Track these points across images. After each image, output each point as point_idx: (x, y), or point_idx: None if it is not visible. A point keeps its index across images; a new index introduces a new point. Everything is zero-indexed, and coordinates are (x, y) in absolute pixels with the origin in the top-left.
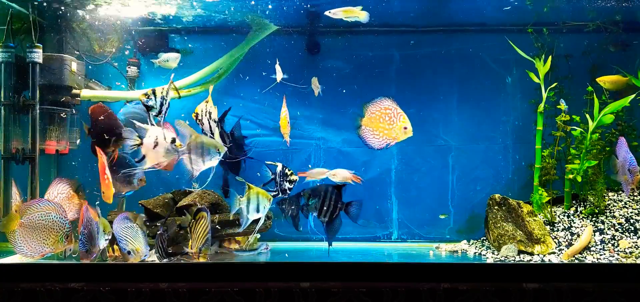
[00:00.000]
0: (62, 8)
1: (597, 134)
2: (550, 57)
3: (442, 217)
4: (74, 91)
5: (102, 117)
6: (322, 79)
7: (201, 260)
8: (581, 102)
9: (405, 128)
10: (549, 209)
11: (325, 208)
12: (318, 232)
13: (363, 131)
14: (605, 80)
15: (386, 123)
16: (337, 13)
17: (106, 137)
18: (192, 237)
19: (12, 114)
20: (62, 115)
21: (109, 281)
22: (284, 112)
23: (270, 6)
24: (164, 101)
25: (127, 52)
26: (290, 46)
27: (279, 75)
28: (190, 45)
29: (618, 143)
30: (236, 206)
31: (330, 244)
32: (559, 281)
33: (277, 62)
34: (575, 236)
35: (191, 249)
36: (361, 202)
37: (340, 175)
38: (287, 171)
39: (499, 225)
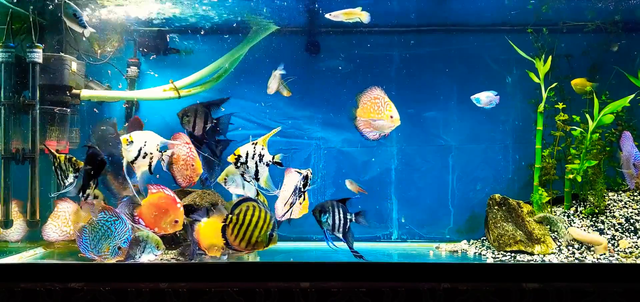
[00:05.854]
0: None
1: (597, 134)
2: (550, 57)
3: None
4: (74, 91)
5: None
6: (322, 78)
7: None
8: (581, 102)
9: (392, 117)
10: (549, 209)
11: (336, 223)
12: (335, 244)
13: (357, 122)
14: (576, 83)
15: (376, 113)
16: (338, 15)
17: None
18: (238, 233)
19: (12, 114)
20: (62, 114)
21: (109, 281)
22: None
23: (270, 6)
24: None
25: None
26: (290, 46)
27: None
28: (189, 45)
29: (623, 137)
30: None
31: (355, 253)
32: (559, 281)
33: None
34: None
35: (241, 245)
36: (366, 212)
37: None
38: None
39: (499, 225)
